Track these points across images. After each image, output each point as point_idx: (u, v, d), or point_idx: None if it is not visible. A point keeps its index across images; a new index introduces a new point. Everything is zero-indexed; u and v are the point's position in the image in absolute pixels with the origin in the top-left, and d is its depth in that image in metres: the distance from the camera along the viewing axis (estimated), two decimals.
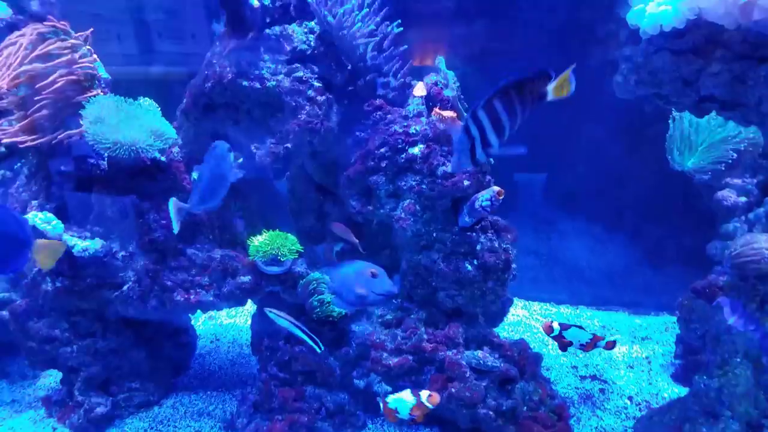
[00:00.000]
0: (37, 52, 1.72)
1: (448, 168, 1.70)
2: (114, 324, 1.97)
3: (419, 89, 1.83)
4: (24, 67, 1.72)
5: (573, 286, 2.98)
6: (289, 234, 1.89)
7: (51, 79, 1.71)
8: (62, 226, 1.78)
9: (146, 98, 2.07)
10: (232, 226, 1.95)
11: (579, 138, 2.80)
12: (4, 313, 2.11)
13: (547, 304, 2.96)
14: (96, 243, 1.81)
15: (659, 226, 2.83)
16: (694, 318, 1.91)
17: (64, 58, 1.72)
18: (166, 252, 1.90)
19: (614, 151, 2.74)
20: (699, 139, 2.12)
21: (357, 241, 2.09)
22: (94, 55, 1.82)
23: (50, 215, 1.76)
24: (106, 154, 1.88)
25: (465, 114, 1.81)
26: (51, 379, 2.26)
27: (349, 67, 1.85)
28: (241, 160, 1.84)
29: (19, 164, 1.93)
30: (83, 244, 1.78)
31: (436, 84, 1.81)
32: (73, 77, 1.74)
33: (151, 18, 2.45)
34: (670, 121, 2.17)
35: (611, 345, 1.68)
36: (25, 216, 1.78)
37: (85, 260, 1.81)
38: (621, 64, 1.65)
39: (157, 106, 2.04)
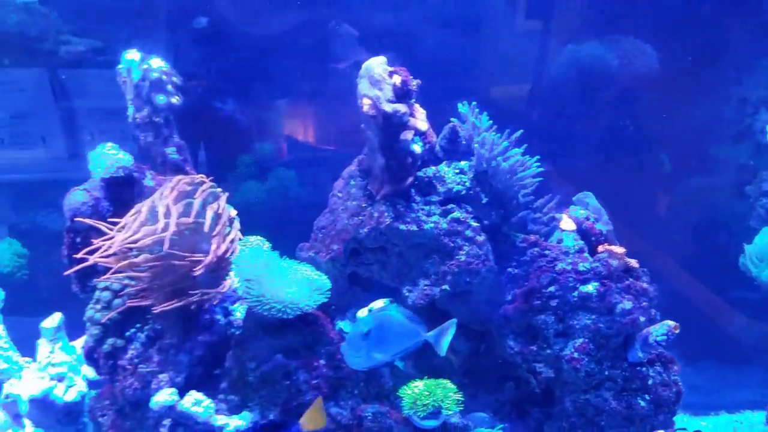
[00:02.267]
0: (184, 217, 1.54)
1: (626, 305, 1.68)
2: None
3: (567, 223, 1.83)
4: (165, 234, 1.53)
5: None
6: (447, 381, 1.75)
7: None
8: (213, 406, 1.53)
9: (256, 236, 1.92)
10: (379, 376, 1.78)
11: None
12: None
13: None
14: (246, 417, 1.57)
15: (687, 315, 2.93)
16: None
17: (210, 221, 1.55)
18: None
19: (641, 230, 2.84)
20: None
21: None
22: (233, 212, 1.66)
23: (198, 395, 1.52)
24: (238, 311, 1.70)
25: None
26: None
27: (489, 200, 1.82)
28: (395, 304, 1.71)
29: (133, 330, 1.66)
30: (235, 423, 1.53)
31: (587, 219, 1.83)
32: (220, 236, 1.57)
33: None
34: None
35: None
36: (163, 397, 1.52)
37: None
38: (761, 198, 1.78)
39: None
